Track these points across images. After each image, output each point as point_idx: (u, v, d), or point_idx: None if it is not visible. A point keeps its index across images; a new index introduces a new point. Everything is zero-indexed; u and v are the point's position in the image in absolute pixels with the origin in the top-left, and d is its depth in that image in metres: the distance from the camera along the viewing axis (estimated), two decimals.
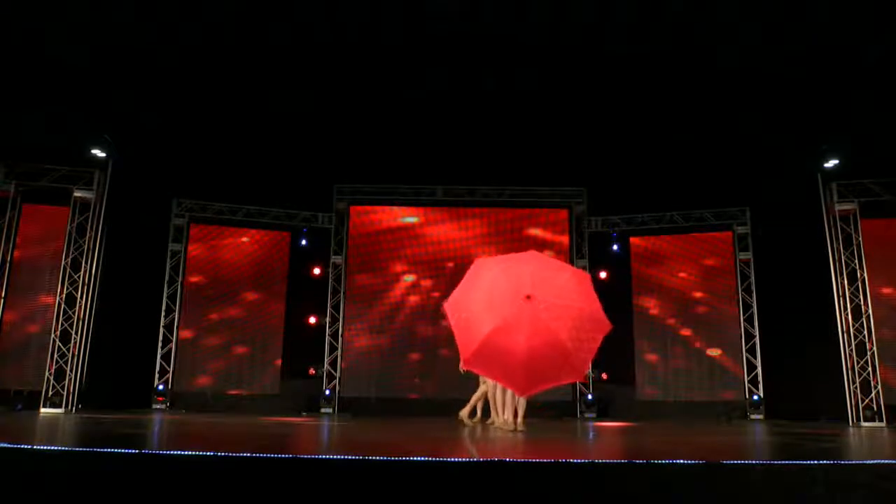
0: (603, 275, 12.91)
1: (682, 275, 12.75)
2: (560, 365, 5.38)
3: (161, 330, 12.08)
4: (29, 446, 2.99)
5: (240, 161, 11.67)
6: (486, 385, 7.56)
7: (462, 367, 5.88)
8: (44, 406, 10.29)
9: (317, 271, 12.85)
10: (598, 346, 5.46)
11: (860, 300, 10.82)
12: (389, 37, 8.79)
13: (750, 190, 12.01)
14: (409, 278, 12.82)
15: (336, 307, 12.63)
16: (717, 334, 12.43)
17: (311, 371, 12.46)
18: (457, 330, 5.57)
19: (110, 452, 2.91)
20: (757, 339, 12.10)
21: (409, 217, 13.07)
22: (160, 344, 12.03)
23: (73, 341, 10.62)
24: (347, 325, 12.59)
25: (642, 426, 8.45)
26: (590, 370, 11.45)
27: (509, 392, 6.67)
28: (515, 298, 5.21)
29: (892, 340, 10.79)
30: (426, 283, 12.73)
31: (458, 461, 2.83)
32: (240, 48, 9.04)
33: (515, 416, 6.78)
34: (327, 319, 12.56)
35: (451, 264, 12.68)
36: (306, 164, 11.75)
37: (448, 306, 5.80)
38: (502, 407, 7.24)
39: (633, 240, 12.99)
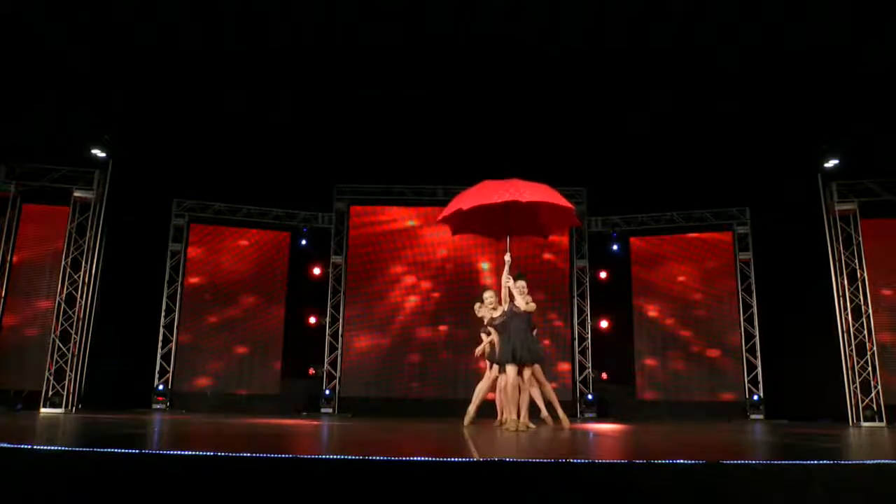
0: (603, 275, 12.93)
1: (681, 275, 12.76)
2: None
3: (161, 330, 12.08)
4: (29, 446, 2.99)
5: (240, 161, 11.67)
6: (489, 377, 7.54)
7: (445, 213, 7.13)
8: (44, 406, 10.29)
9: (317, 271, 12.86)
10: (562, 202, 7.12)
11: (860, 300, 10.82)
12: (389, 37, 8.80)
13: (750, 190, 12.02)
14: (409, 279, 12.81)
15: (336, 307, 12.63)
16: (717, 334, 12.43)
17: (311, 371, 12.46)
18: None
19: (110, 452, 2.91)
20: (757, 339, 12.10)
21: (409, 219, 13.06)
22: (160, 344, 12.03)
23: (73, 341, 10.63)
24: (347, 325, 12.59)
25: (642, 426, 8.45)
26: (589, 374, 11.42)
27: (510, 391, 6.67)
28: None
29: (892, 341, 10.80)
30: (426, 283, 12.73)
31: (459, 461, 2.83)
32: (240, 48, 9.05)
33: (518, 414, 6.78)
34: (327, 319, 12.56)
35: (449, 265, 12.69)
36: (306, 164, 11.76)
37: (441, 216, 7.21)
38: (506, 406, 7.24)
39: (632, 240, 12.99)
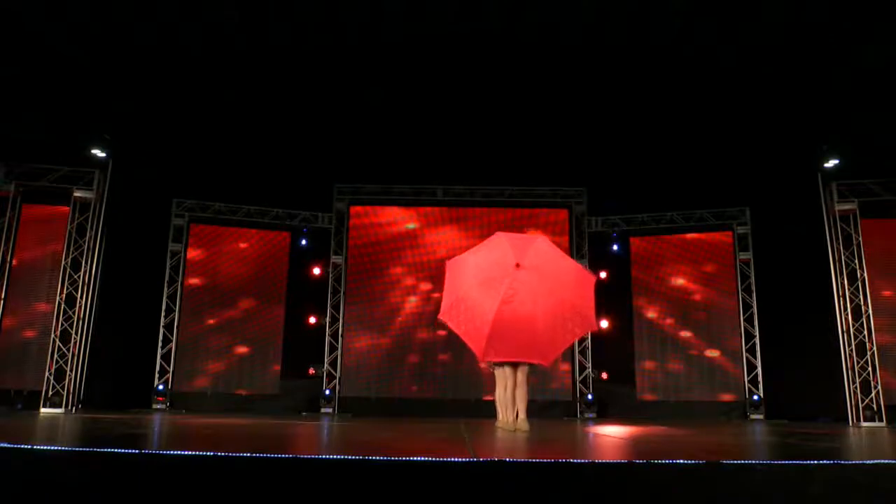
0: (603, 275, 12.91)
1: (681, 275, 12.75)
2: (528, 342, 5.62)
3: (161, 330, 12.08)
4: (29, 446, 2.99)
5: (240, 161, 11.67)
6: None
7: (481, 362, 5.95)
8: (44, 406, 10.29)
9: (317, 271, 12.85)
10: (574, 339, 5.67)
11: (860, 300, 10.82)
12: (389, 36, 8.80)
13: (750, 190, 12.01)
14: (409, 279, 12.81)
15: (336, 307, 12.63)
16: (716, 334, 12.43)
17: (311, 371, 12.46)
18: (463, 327, 5.60)
19: (110, 452, 2.91)
20: (757, 339, 12.09)
21: (409, 220, 13.06)
22: (160, 344, 12.03)
23: (73, 341, 10.63)
24: (347, 326, 12.58)
25: (642, 426, 8.45)
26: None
27: (510, 391, 6.66)
28: (505, 270, 5.57)
29: (892, 341, 10.79)
30: (426, 283, 12.73)
31: (459, 461, 2.83)
32: (240, 48, 9.04)
33: (517, 415, 6.74)
34: (327, 319, 12.56)
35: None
36: (306, 164, 11.75)
37: (444, 316, 5.88)
38: (504, 406, 7.23)
39: (632, 240, 12.99)
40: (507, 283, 5.62)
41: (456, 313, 5.89)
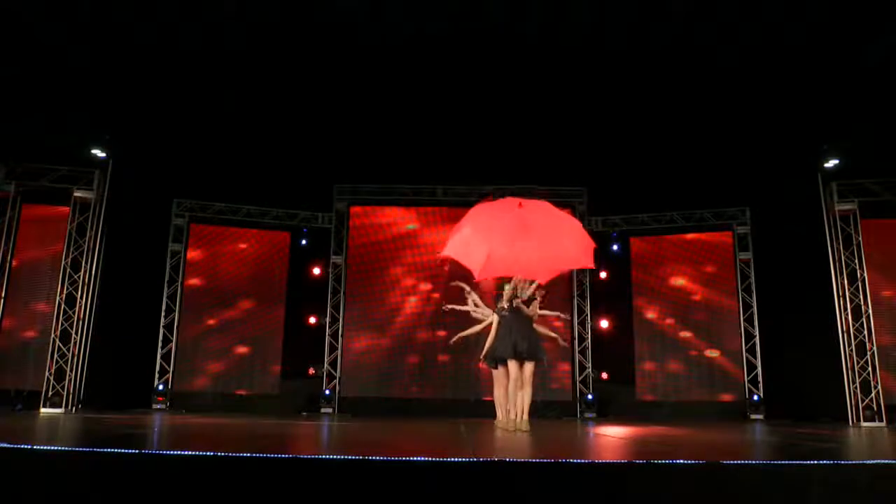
0: (603, 275, 12.92)
1: (681, 275, 12.74)
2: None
3: (161, 330, 12.08)
4: (29, 446, 2.99)
5: (240, 161, 11.67)
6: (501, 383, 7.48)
7: (477, 279, 6.35)
8: (44, 406, 10.29)
9: (317, 271, 12.85)
10: (572, 266, 6.64)
11: (860, 300, 10.82)
12: (389, 36, 8.80)
13: (750, 190, 12.01)
14: (409, 279, 12.81)
15: (336, 307, 12.63)
16: (716, 334, 12.42)
17: (311, 371, 12.46)
18: (463, 250, 6.11)
19: (110, 452, 2.91)
20: (757, 339, 12.09)
21: (409, 220, 13.04)
22: (160, 344, 12.03)
23: (73, 341, 10.62)
24: (347, 326, 12.58)
25: (642, 426, 8.45)
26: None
27: (512, 391, 6.66)
28: (508, 209, 6.07)
29: (893, 341, 10.79)
30: (426, 284, 12.72)
31: (458, 461, 2.83)
32: (240, 48, 9.04)
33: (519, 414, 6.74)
34: (327, 319, 12.55)
35: (447, 268, 12.67)
36: (306, 164, 11.75)
37: (445, 252, 6.38)
38: (503, 406, 7.23)
39: (632, 240, 12.98)
40: (510, 216, 6.07)
41: (456, 244, 6.22)
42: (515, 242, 5.90)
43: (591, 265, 6.41)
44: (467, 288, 7.88)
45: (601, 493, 2.77)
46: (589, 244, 6.29)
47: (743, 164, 11.17)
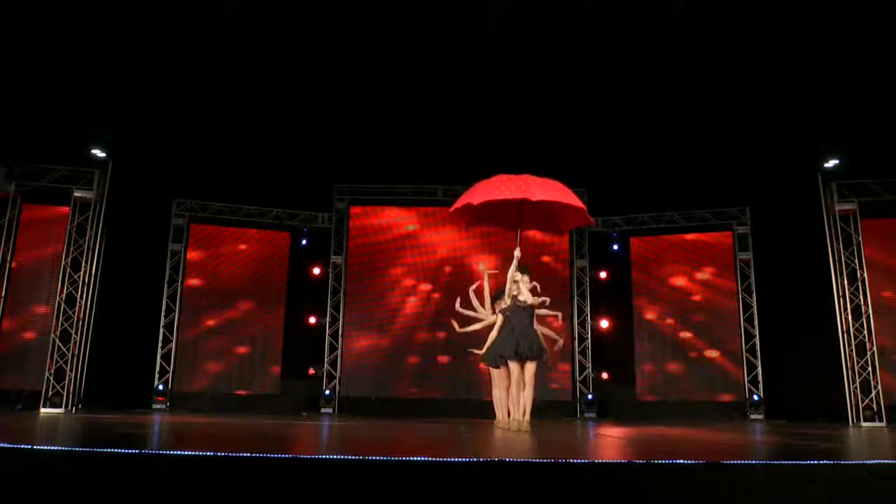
0: (603, 275, 12.93)
1: (681, 275, 12.75)
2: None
3: (161, 330, 12.08)
4: (29, 446, 2.99)
5: (239, 161, 11.67)
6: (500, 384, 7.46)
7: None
8: (44, 406, 10.29)
9: (317, 271, 12.85)
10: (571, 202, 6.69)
11: (860, 300, 10.82)
12: (389, 37, 8.80)
13: (750, 190, 12.01)
14: (409, 279, 12.81)
15: (336, 307, 12.63)
16: (717, 334, 12.42)
17: (311, 371, 12.45)
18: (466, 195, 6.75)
19: (110, 452, 2.91)
20: (757, 339, 12.09)
21: (409, 220, 13.04)
22: (160, 344, 12.03)
23: (73, 341, 10.62)
24: (347, 326, 12.58)
25: (642, 426, 8.45)
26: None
27: (510, 391, 6.66)
28: (509, 176, 6.66)
29: (893, 342, 10.79)
30: (426, 284, 12.73)
31: (458, 461, 2.83)
32: (239, 48, 9.04)
33: (522, 414, 6.72)
34: (327, 319, 12.55)
35: (448, 269, 12.68)
36: (306, 164, 11.75)
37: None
38: (502, 407, 7.23)
39: (632, 240, 12.99)
40: (510, 178, 6.65)
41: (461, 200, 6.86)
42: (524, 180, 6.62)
43: (592, 221, 7.56)
44: (474, 288, 7.96)
45: (601, 493, 2.77)
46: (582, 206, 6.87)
47: (743, 164, 11.17)
